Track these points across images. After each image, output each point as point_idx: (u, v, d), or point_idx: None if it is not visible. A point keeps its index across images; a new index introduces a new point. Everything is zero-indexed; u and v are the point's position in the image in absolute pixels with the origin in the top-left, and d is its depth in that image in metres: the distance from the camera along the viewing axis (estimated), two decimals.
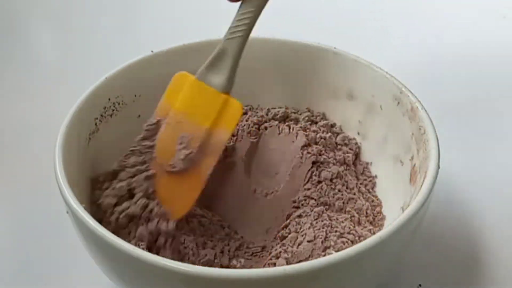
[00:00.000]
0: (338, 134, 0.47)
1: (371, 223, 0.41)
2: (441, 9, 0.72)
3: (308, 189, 0.42)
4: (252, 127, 0.46)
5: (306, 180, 0.42)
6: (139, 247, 0.35)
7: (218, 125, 0.40)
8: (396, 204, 0.41)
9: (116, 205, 0.39)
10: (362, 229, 0.40)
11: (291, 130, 0.45)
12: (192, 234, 0.40)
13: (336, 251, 0.36)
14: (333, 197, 0.42)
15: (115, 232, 0.35)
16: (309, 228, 0.39)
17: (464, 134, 0.54)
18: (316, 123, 0.47)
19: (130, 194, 0.39)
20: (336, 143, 0.46)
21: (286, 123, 0.46)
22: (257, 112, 0.48)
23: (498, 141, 0.54)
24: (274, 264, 0.38)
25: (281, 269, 0.30)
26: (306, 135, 0.44)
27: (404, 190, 0.41)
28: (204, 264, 0.38)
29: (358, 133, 0.47)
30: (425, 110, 0.40)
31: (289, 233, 0.39)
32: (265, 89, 0.50)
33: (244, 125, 0.46)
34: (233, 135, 0.45)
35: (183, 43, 0.48)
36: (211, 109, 0.40)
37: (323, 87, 0.48)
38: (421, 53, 0.64)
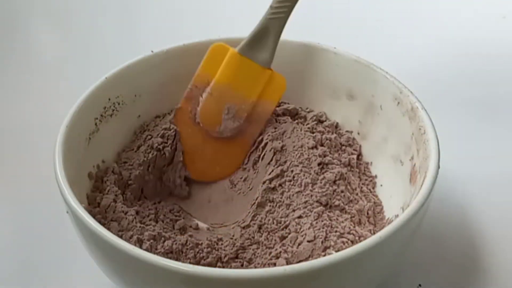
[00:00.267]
0: (342, 135, 0.47)
1: (371, 223, 0.41)
2: (441, 9, 0.72)
3: (311, 190, 0.42)
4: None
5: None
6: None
7: (263, 97, 0.44)
8: (396, 204, 0.41)
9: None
10: (362, 229, 0.40)
11: (302, 131, 0.45)
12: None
13: (336, 251, 0.36)
14: (335, 198, 0.42)
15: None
16: (309, 228, 0.39)
17: (464, 134, 0.54)
18: (322, 122, 0.47)
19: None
20: (341, 144, 0.46)
21: (296, 121, 0.47)
22: None
23: (498, 141, 0.54)
24: (274, 264, 0.38)
25: (281, 269, 0.30)
26: (313, 137, 0.44)
27: (404, 190, 0.41)
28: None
29: (358, 133, 0.47)
30: (425, 110, 0.40)
31: (289, 233, 0.39)
32: None
33: None
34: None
35: (183, 43, 0.48)
36: (257, 83, 0.43)
37: (323, 87, 0.48)
38: (421, 53, 0.64)
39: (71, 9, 0.77)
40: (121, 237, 0.36)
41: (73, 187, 0.36)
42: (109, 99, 0.44)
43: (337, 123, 0.48)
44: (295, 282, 0.30)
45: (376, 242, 0.31)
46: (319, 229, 0.39)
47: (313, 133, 0.45)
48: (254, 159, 0.45)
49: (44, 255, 0.44)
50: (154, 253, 0.37)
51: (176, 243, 0.38)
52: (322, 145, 0.45)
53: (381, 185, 0.45)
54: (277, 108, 0.48)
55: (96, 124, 0.43)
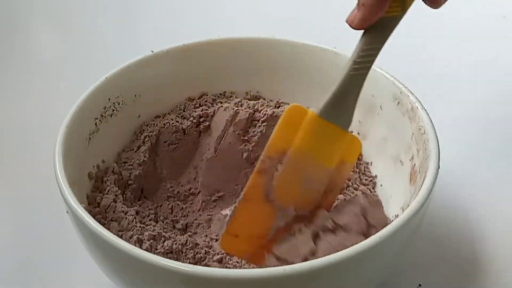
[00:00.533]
0: None
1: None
2: (441, 9, 0.72)
3: None
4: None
5: None
6: None
7: (341, 163, 0.38)
8: (396, 204, 0.41)
9: None
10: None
11: None
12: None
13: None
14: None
15: None
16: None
17: (464, 134, 0.54)
18: None
19: None
20: None
21: None
22: (269, 105, 0.48)
23: (498, 140, 0.54)
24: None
25: (281, 269, 0.30)
26: None
27: (404, 190, 0.41)
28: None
29: (358, 133, 0.47)
30: (425, 110, 0.40)
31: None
32: (265, 88, 0.50)
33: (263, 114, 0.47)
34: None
35: (183, 43, 0.48)
36: (337, 149, 0.37)
37: (323, 87, 0.48)
38: (421, 53, 0.64)
39: (71, 9, 0.78)
40: (121, 237, 0.37)
41: (73, 187, 0.36)
42: (109, 99, 0.44)
43: None
44: (295, 282, 0.30)
45: (376, 242, 0.31)
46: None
47: None
48: None
49: (44, 255, 0.44)
50: (154, 253, 0.37)
51: (176, 243, 0.38)
52: None
53: (381, 185, 0.45)
54: (276, 110, 0.48)
55: (96, 124, 0.43)
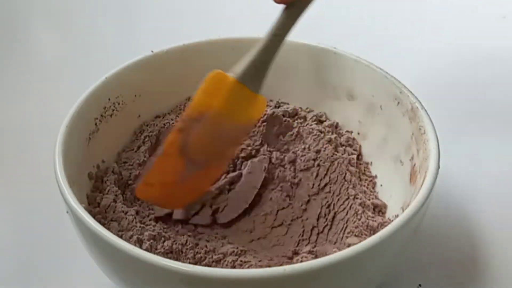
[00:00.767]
0: (342, 135, 0.47)
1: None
2: (441, 9, 0.72)
3: (313, 189, 0.43)
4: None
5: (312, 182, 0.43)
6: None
7: (249, 118, 0.42)
8: (396, 204, 0.41)
9: None
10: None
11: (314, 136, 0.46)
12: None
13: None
14: (337, 197, 0.42)
15: None
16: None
17: (464, 134, 0.54)
18: (322, 122, 0.47)
19: None
20: (340, 144, 0.46)
21: (296, 121, 0.47)
22: (269, 105, 0.48)
23: (498, 141, 0.54)
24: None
25: (281, 269, 0.30)
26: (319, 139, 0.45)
27: (404, 190, 0.41)
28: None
29: (358, 133, 0.47)
30: (425, 110, 0.40)
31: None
32: (265, 88, 0.50)
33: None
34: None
35: (183, 43, 0.48)
36: (248, 108, 0.41)
37: (323, 87, 0.48)
38: (421, 53, 0.64)
39: (71, 9, 0.77)
40: (121, 237, 0.36)
41: (73, 187, 0.36)
42: (109, 99, 0.44)
43: (337, 123, 0.48)
44: (295, 282, 0.30)
45: (376, 242, 0.31)
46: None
47: (314, 132, 0.45)
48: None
49: (44, 255, 0.44)
50: (154, 253, 0.37)
51: (176, 243, 0.38)
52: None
53: (381, 185, 0.45)
54: (276, 110, 0.48)
55: (96, 124, 0.43)
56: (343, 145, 0.46)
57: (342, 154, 0.45)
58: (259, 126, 0.46)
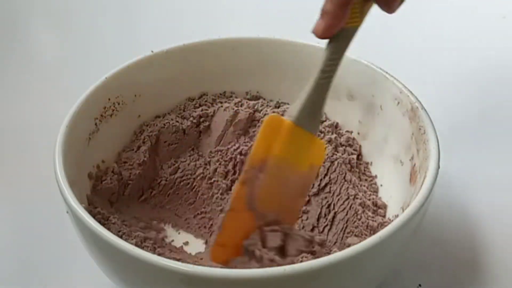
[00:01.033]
0: (342, 135, 0.47)
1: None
2: (441, 9, 0.72)
3: (313, 189, 0.43)
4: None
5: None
6: None
7: (311, 164, 0.40)
8: (396, 204, 0.41)
9: None
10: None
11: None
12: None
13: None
14: (337, 197, 0.42)
15: None
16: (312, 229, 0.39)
17: (464, 134, 0.54)
18: (322, 122, 0.47)
19: None
20: (340, 144, 0.46)
21: None
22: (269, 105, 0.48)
23: (498, 141, 0.54)
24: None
25: (281, 269, 0.30)
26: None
27: (404, 190, 0.41)
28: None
29: (358, 133, 0.47)
30: (425, 110, 0.40)
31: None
32: (266, 88, 0.50)
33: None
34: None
35: (183, 43, 0.48)
36: (309, 153, 0.39)
37: None
38: (421, 53, 0.64)
39: (71, 9, 0.77)
40: (121, 237, 0.36)
41: (73, 187, 0.36)
42: (109, 99, 0.44)
43: (337, 123, 0.48)
44: (295, 282, 0.30)
45: (376, 242, 0.31)
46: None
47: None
48: None
49: (44, 255, 0.44)
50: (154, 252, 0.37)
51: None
52: None
53: (381, 185, 0.45)
54: (276, 110, 0.48)
55: (96, 124, 0.43)
56: (343, 145, 0.46)
57: (342, 154, 0.45)
58: (259, 126, 0.47)
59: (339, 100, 0.47)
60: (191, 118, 0.47)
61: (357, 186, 0.43)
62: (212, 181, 0.45)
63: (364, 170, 0.45)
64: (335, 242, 0.40)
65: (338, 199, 0.42)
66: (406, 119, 0.42)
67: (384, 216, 0.42)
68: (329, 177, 0.43)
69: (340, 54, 0.38)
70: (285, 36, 0.49)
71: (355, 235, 0.40)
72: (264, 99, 0.50)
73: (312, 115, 0.39)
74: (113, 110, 0.45)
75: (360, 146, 0.47)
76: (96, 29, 0.73)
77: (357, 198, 0.42)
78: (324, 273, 0.31)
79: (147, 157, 0.45)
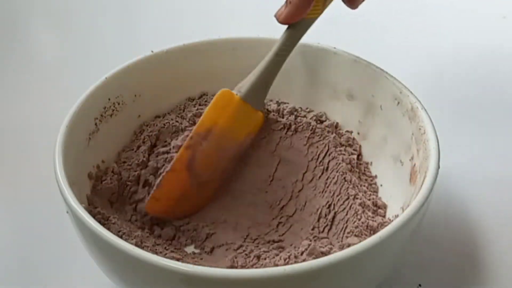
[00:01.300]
0: (342, 135, 0.47)
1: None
2: (441, 9, 0.72)
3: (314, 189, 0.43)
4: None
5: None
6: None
7: (248, 133, 0.44)
8: (396, 204, 0.41)
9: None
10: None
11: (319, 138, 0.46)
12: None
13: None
14: (337, 197, 0.42)
15: None
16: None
17: (464, 134, 0.54)
18: (322, 122, 0.47)
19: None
20: (340, 143, 0.46)
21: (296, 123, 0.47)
22: (269, 105, 0.48)
23: (498, 141, 0.54)
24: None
25: (281, 269, 0.30)
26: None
27: (404, 190, 0.41)
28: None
29: (358, 133, 0.47)
30: (425, 110, 0.40)
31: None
32: None
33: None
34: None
35: (183, 43, 0.48)
36: (249, 125, 0.44)
37: (323, 87, 0.48)
38: (421, 53, 0.64)
39: (71, 9, 0.77)
40: (121, 237, 0.36)
41: (73, 187, 0.36)
42: (109, 99, 0.44)
43: (337, 123, 0.48)
44: (295, 282, 0.30)
45: (376, 242, 0.31)
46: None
47: (315, 132, 0.45)
48: None
49: (44, 255, 0.44)
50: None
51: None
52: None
53: (381, 185, 0.45)
54: (281, 107, 0.48)
55: (96, 124, 0.43)
56: (343, 145, 0.46)
57: (342, 154, 0.45)
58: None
59: (339, 100, 0.47)
60: (188, 117, 0.47)
61: (357, 186, 0.43)
62: None
63: (364, 170, 0.45)
64: (335, 242, 0.40)
65: (338, 199, 0.42)
66: (406, 119, 0.42)
67: (384, 216, 0.42)
68: (328, 175, 0.43)
69: (295, 41, 0.42)
70: None
71: (355, 235, 0.40)
72: None
73: (259, 93, 0.43)
74: (113, 110, 0.45)
75: (360, 146, 0.47)
76: (96, 29, 0.73)
77: (357, 198, 0.42)
78: (324, 273, 0.31)
79: (147, 157, 0.45)
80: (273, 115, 0.47)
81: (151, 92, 0.47)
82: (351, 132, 0.47)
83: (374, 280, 0.36)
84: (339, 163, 0.44)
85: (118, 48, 0.67)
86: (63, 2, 0.79)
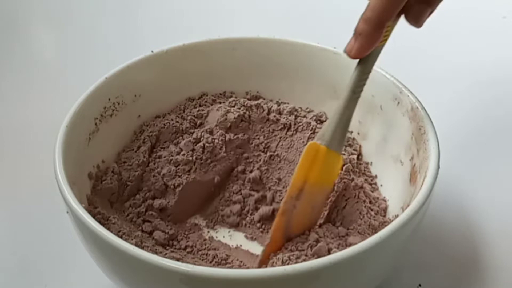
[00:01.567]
0: None
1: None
2: (441, 9, 0.72)
3: None
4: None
5: None
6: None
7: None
8: (396, 204, 0.41)
9: None
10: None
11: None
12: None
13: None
14: (338, 197, 0.42)
15: None
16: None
17: (464, 134, 0.54)
18: (322, 122, 0.47)
19: None
20: None
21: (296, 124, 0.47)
22: (270, 105, 0.48)
23: (498, 140, 0.54)
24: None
25: (281, 269, 0.30)
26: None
27: (404, 190, 0.41)
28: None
29: (358, 133, 0.47)
30: (425, 110, 0.40)
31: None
32: (266, 88, 0.50)
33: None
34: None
35: (183, 43, 0.48)
36: (336, 171, 0.41)
37: (323, 87, 0.48)
38: (421, 53, 0.64)
39: (71, 9, 0.78)
40: (121, 237, 0.36)
41: (73, 187, 0.36)
42: (109, 99, 0.44)
43: None
44: (295, 282, 0.30)
45: (376, 242, 0.31)
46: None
47: (314, 132, 0.45)
48: None
49: (44, 255, 0.44)
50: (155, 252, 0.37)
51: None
52: None
53: (381, 185, 0.45)
54: (281, 107, 0.48)
55: (96, 124, 0.43)
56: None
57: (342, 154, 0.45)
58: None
59: (339, 100, 0.47)
60: (188, 119, 0.47)
61: (357, 186, 0.43)
62: None
63: (364, 170, 0.45)
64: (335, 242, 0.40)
65: (339, 199, 0.42)
66: (406, 119, 0.42)
67: (384, 216, 0.42)
68: None
69: (369, 73, 0.39)
70: (285, 36, 0.49)
71: (357, 234, 0.40)
72: (264, 99, 0.50)
73: (341, 136, 0.39)
74: (113, 110, 0.45)
75: (360, 146, 0.47)
76: (96, 29, 0.73)
77: (359, 198, 0.42)
78: (324, 273, 0.31)
79: (147, 157, 0.45)
80: (273, 115, 0.47)
81: (151, 92, 0.47)
82: (351, 132, 0.47)
83: (374, 280, 0.36)
84: None
85: (118, 48, 0.67)
86: (63, 2, 0.79)
